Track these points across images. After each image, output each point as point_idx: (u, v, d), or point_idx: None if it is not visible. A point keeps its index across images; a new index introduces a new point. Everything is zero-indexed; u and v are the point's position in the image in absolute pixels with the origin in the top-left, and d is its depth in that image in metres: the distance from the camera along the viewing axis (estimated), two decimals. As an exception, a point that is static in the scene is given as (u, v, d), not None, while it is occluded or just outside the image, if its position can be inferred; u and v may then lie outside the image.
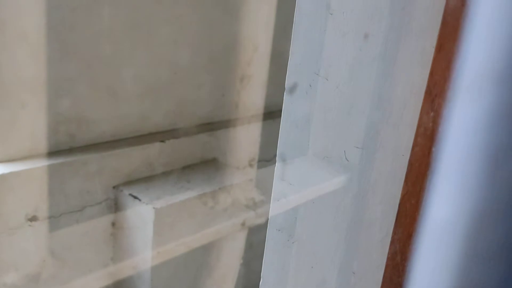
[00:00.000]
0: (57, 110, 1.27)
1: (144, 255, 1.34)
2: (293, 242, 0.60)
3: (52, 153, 1.28)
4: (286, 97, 0.59)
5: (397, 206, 0.50)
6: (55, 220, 1.28)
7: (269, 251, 0.64)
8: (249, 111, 1.77)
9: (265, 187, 1.83)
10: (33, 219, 1.23)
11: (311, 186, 0.56)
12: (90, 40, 1.28)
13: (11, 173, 1.18)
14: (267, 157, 1.83)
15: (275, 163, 1.87)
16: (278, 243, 0.64)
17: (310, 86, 0.55)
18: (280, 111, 1.99)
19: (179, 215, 1.36)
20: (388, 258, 0.54)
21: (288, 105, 0.59)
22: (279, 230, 0.63)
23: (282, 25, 1.77)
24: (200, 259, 1.56)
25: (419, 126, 0.46)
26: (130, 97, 1.41)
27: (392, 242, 0.49)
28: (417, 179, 0.46)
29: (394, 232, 0.48)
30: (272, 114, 1.83)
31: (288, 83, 0.59)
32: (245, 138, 1.72)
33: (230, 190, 1.46)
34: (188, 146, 1.55)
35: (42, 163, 1.24)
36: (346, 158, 0.53)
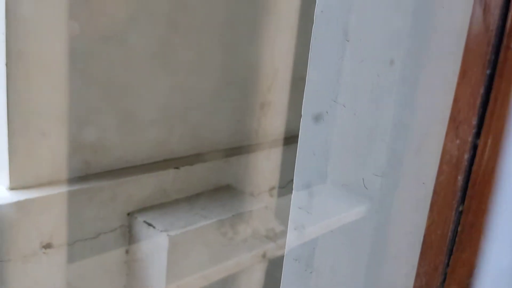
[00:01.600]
0: (73, 138, 1.28)
1: (158, 283, 1.32)
2: (310, 272, 0.58)
3: (67, 180, 1.29)
4: (302, 124, 0.58)
5: (422, 237, 0.48)
6: (70, 247, 1.27)
7: (286, 282, 0.63)
8: (264, 137, 1.76)
9: (282, 215, 1.81)
10: (47, 246, 1.23)
11: (330, 216, 0.54)
12: (108, 68, 1.30)
13: (26, 200, 1.18)
14: (281, 183, 1.81)
15: (290, 190, 1.85)
16: (295, 273, 0.62)
17: (327, 113, 0.55)
18: (294, 137, 1.98)
19: (194, 243, 1.34)
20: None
21: (305, 132, 0.58)
22: (296, 260, 0.62)
23: (302, 50, 1.78)
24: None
25: (443, 154, 0.45)
26: (145, 123, 1.42)
27: (417, 275, 0.47)
28: (442, 209, 0.44)
29: (420, 265, 0.46)
30: (287, 140, 1.83)
31: (304, 110, 0.59)
32: (259, 165, 1.71)
33: (248, 219, 1.44)
34: (202, 172, 1.54)
35: (57, 190, 1.24)
36: (365, 186, 0.52)
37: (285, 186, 1.83)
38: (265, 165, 1.73)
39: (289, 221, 0.62)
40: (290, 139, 1.87)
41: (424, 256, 0.47)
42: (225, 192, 1.59)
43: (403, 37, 0.47)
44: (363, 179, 0.53)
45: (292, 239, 0.62)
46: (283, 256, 0.63)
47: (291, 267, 0.62)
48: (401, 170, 0.50)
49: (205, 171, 1.54)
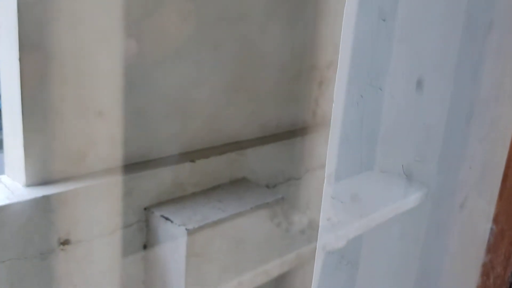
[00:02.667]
0: (88, 133, 1.26)
1: (177, 278, 1.31)
2: (346, 264, 0.56)
3: (83, 176, 1.27)
4: (334, 109, 0.56)
5: (489, 230, 0.45)
6: (87, 243, 1.25)
7: (319, 273, 0.60)
8: (279, 128, 1.74)
9: (303, 207, 1.79)
10: (65, 243, 1.21)
11: (367, 205, 0.52)
12: (121, 62, 1.28)
13: (43, 197, 1.16)
14: (297, 175, 1.79)
15: (306, 180, 1.82)
16: (329, 265, 0.60)
17: (362, 97, 0.52)
18: (306, 128, 1.95)
19: (212, 236, 1.33)
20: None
21: (338, 117, 0.55)
22: (329, 252, 0.60)
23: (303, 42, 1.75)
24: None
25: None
26: (160, 116, 1.40)
27: (484, 268, 0.44)
28: None
29: (489, 258, 0.43)
30: (301, 131, 1.80)
31: (336, 95, 0.56)
32: (274, 156, 1.69)
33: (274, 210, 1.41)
34: (218, 165, 1.52)
35: (73, 186, 1.22)
36: (404, 172, 0.50)
37: (301, 177, 1.81)
38: (280, 156, 1.71)
39: (321, 211, 0.60)
40: (304, 129, 1.84)
41: (495, 248, 0.44)
42: (241, 185, 1.57)
43: (451, 13, 0.44)
44: (402, 165, 0.51)
45: (324, 230, 0.60)
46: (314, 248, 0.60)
47: (324, 259, 0.60)
48: (448, 155, 0.47)
49: (221, 164, 1.52)
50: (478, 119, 0.46)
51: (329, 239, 0.56)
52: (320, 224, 0.58)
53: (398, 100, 0.49)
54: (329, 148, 0.55)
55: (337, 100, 0.53)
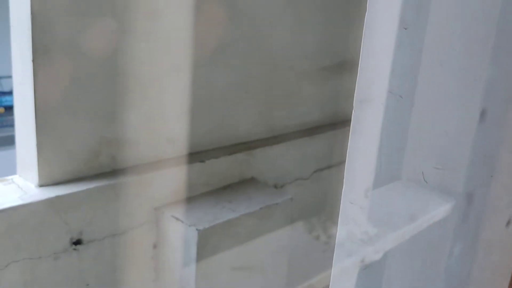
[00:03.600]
0: (100, 133, 1.27)
1: (188, 278, 1.32)
2: (364, 269, 0.57)
3: (95, 176, 1.28)
4: (354, 115, 0.56)
5: None
6: (99, 243, 1.26)
7: (336, 278, 0.61)
8: (287, 129, 1.75)
9: (311, 209, 1.80)
10: (77, 242, 1.22)
11: (387, 211, 0.53)
12: (132, 64, 1.28)
13: (56, 197, 1.17)
14: (305, 175, 1.79)
15: (314, 180, 1.83)
16: (347, 273, 0.60)
17: (382, 104, 0.53)
18: (316, 128, 1.96)
19: (223, 236, 1.33)
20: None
21: (358, 123, 0.56)
22: (348, 255, 0.60)
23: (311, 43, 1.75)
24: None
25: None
26: (170, 118, 1.41)
27: None
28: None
29: None
30: (309, 131, 1.81)
31: (356, 100, 0.57)
32: (282, 156, 1.69)
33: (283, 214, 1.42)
34: (227, 165, 1.53)
35: (85, 186, 1.23)
36: (424, 179, 0.50)
37: (309, 177, 1.82)
38: (288, 157, 1.71)
39: (339, 216, 0.61)
40: (312, 130, 1.85)
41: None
42: (250, 185, 1.58)
43: (471, 24, 0.45)
44: (422, 172, 0.51)
45: (342, 236, 0.61)
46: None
47: (343, 264, 0.61)
48: (469, 163, 0.48)
49: (230, 164, 1.53)
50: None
51: (347, 243, 0.56)
52: (338, 229, 0.59)
53: (419, 108, 0.50)
54: (348, 153, 0.56)
55: (357, 106, 0.54)
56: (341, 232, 0.55)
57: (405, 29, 0.49)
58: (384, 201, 0.55)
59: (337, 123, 1.91)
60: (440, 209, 0.50)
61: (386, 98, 0.53)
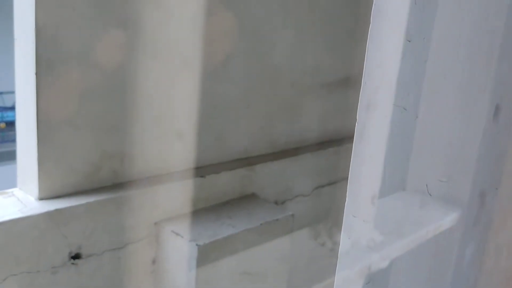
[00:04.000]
0: (101, 147, 1.26)
1: (187, 293, 1.30)
2: (367, 283, 0.56)
3: (95, 190, 1.27)
4: (358, 128, 0.56)
5: None
6: (98, 257, 1.25)
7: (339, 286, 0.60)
8: (287, 145, 1.75)
9: (311, 224, 1.79)
10: (76, 256, 1.21)
11: (392, 225, 0.52)
12: (135, 78, 1.29)
13: (55, 210, 1.17)
14: (306, 191, 1.79)
15: (314, 197, 1.82)
16: (349, 283, 0.60)
17: (386, 116, 0.53)
18: (318, 144, 1.95)
19: (223, 252, 1.32)
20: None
21: (361, 136, 0.56)
22: (350, 268, 0.60)
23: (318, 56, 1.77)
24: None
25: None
26: (170, 132, 1.41)
27: None
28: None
29: None
30: (311, 147, 1.80)
31: (359, 113, 0.57)
32: (283, 172, 1.69)
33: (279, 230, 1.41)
34: (227, 181, 1.52)
35: (86, 200, 1.22)
36: (428, 192, 0.50)
37: (310, 194, 1.81)
38: (289, 173, 1.71)
39: (342, 230, 0.60)
40: (313, 146, 1.85)
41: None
42: (250, 201, 1.57)
43: (475, 36, 0.45)
44: (426, 185, 0.51)
45: (345, 249, 0.60)
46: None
47: (344, 275, 0.60)
48: (474, 174, 0.48)
49: (231, 180, 1.53)
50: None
51: (350, 256, 0.56)
52: (341, 242, 0.58)
53: (423, 121, 0.50)
54: (351, 166, 0.56)
55: (360, 119, 0.54)
56: (344, 239, 0.55)
57: (409, 41, 0.50)
58: (390, 210, 0.55)
59: (338, 140, 1.91)
60: (447, 219, 0.50)
61: (390, 109, 0.53)
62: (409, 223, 0.53)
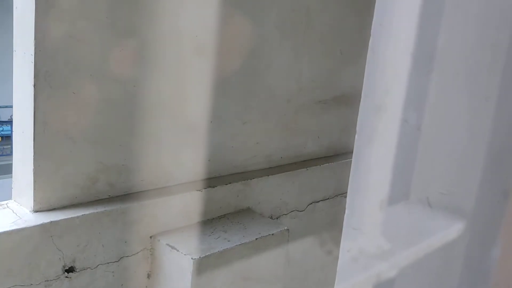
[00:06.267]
0: (98, 160, 1.26)
1: (182, 308, 1.29)
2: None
3: (91, 202, 1.26)
4: (358, 140, 0.57)
5: None
6: (92, 271, 1.24)
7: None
8: (283, 160, 1.75)
9: (308, 238, 1.78)
10: (70, 270, 1.20)
11: (394, 239, 0.52)
12: (132, 91, 1.29)
13: (51, 223, 1.16)
14: (301, 207, 1.79)
15: (309, 212, 1.82)
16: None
17: (387, 128, 0.53)
18: (313, 160, 1.95)
19: (218, 266, 1.31)
20: None
21: (361, 149, 0.57)
22: (349, 282, 0.60)
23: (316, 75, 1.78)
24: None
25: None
26: (168, 147, 1.41)
27: None
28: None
29: None
30: (306, 163, 1.81)
31: (359, 126, 0.57)
32: (279, 187, 1.69)
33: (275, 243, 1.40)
34: (223, 195, 1.52)
35: (81, 213, 1.22)
36: (429, 204, 0.50)
37: (304, 209, 1.81)
38: (284, 188, 1.71)
39: (341, 243, 0.60)
40: (308, 162, 1.85)
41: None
42: (246, 215, 1.56)
43: (478, 50, 0.46)
44: (427, 197, 0.51)
45: (344, 262, 0.60)
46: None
47: (352, 281, 0.60)
48: (477, 187, 0.48)
49: (227, 194, 1.52)
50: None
51: (348, 270, 0.55)
52: (340, 256, 0.58)
53: (424, 133, 0.50)
54: (351, 178, 0.56)
55: (360, 132, 0.54)
56: (343, 251, 0.55)
57: (411, 55, 0.51)
58: (394, 219, 0.55)
59: (333, 156, 1.92)
60: (450, 230, 0.50)
61: (392, 123, 0.53)
62: (415, 232, 0.53)
